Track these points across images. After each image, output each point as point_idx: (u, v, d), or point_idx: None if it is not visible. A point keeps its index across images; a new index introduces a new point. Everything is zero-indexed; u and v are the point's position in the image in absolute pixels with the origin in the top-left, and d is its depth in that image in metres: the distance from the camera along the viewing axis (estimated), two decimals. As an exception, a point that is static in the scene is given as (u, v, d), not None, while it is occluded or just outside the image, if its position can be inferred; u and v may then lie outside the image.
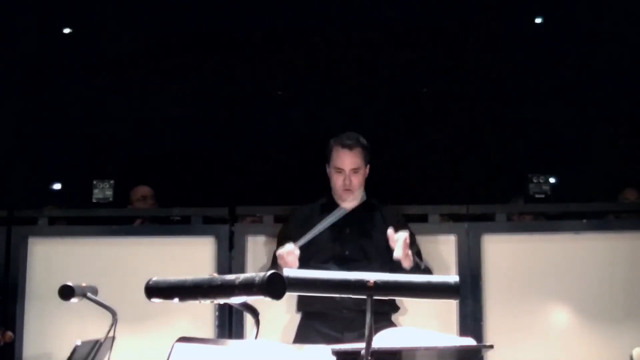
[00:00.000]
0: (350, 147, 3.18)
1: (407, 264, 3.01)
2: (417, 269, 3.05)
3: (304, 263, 3.15)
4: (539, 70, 6.77)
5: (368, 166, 3.26)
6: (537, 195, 3.77)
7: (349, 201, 3.20)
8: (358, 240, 3.14)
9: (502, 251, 3.63)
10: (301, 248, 3.16)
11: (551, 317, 3.55)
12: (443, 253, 3.59)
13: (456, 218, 3.85)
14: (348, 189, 3.17)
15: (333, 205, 3.24)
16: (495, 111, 7.02)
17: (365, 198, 3.26)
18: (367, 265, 3.07)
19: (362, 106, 6.71)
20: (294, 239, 3.13)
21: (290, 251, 2.98)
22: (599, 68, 6.64)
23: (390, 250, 3.17)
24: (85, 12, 6.58)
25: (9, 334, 3.52)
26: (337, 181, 3.18)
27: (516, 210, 4.35)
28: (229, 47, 6.87)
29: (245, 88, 6.95)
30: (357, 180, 3.18)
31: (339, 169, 3.18)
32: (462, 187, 6.29)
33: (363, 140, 3.23)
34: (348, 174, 3.16)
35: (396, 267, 3.20)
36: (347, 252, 3.12)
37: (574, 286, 3.56)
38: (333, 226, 3.18)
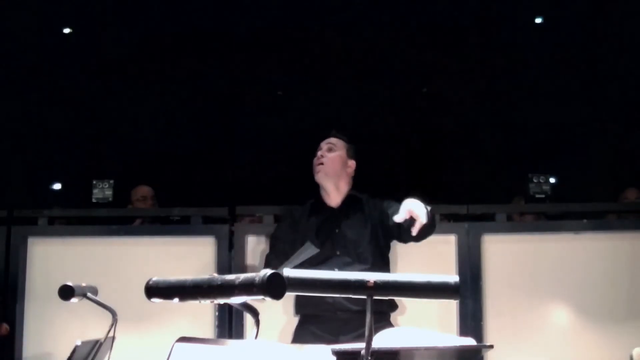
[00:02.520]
0: (331, 135, 3.29)
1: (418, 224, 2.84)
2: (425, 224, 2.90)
3: (296, 267, 3.15)
4: (539, 70, 6.77)
5: (353, 162, 3.26)
6: (537, 195, 3.77)
7: (322, 178, 3.19)
8: (348, 240, 3.14)
9: (502, 251, 3.62)
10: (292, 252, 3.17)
11: (551, 317, 3.55)
12: (443, 253, 3.58)
13: (456, 218, 3.85)
14: (320, 163, 3.19)
15: (321, 205, 3.23)
16: (495, 111, 7.03)
17: (348, 195, 3.26)
18: (358, 263, 3.07)
19: (362, 106, 6.71)
20: (285, 240, 3.13)
21: None
22: (599, 68, 6.64)
23: (380, 245, 3.17)
24: (85, 12, 6.58)
25: (5, 326, 3.52)
26: (315, 160, 3.24)
27: (516, 210, 4.35)
28: (228, 47, 6.88)
29: (245, 88, 6.95)
30: (331, 157, 3.20)
31: (318, 148, 3.26)
32: (462, 187, 6.29)
33: (347, 139, 3.30)
34: (323, 150, 3.22)
35: (386, 262, 3.20)
36: (337, 253, 3.11)
37: (574, 286, 3.56)
38: (322, 228, 3.18)
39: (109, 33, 6.72)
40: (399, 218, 2.79)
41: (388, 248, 3.24)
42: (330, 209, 3.22)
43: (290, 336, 3.22)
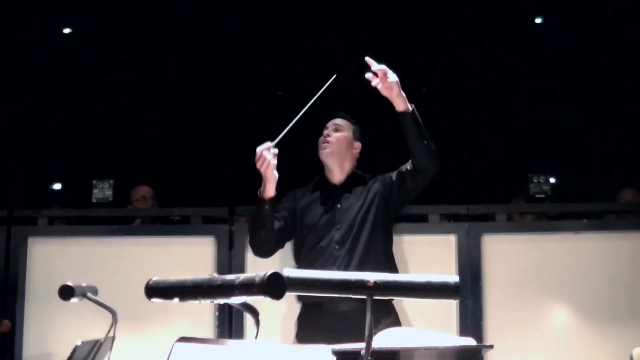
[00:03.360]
0: (337, 116, 3.33)
1: (401, 106, 3.01)
2: (415, 122, 3.03)
3: (298, 243, 3.20)
4: (539, 70, 6.77)
5: (358, 144, 3.29)
6: (537, 195, 3.77)
7: (327, 156, 3.22)
8: (349, 215, 3.15)
9: (502, 251, 3.62)
10: (300, 231, 3.19)
11: (551, 317, 3.55)
12: (443, 253, 3.58)
13: (456, 218, 3.85)
14: (325, 141, 3.22)
15: (324, 182, 3.26)
16: (495, 111, 7.03)
17: (352, 173, 3.28)
18: (359, 238, 3.09)
19: (362, 106, 6.70)
20: (285, 208, 3.17)
21: (267, 147, 2.97)
22: (599, 68, 6.64)
23: (382, 218, 3.18)
24: (85, 12, 6.58)
25: (6, 322, 3.52)
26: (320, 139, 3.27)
27: (516, 210, 4.35)
28: (229, 47, 6.87)
29: (245, 88, 6.95)
30: (337, 137, 3.23)
31: (324, 128, 3.28)
32: (462, 187, 6.29)
33: (354, 121, 3.34)
34: (329, 129, 3.26)
35: (389, 238, 3.21)
36: (338, 227, 3.13)
37: (574, 286, 3.55)
38: (324, 203, 3.21)
39: (108, 33, 6.72)
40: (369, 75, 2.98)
41: (391, 223, 3.26)
42: (333, 185, 3.25)
43: (291, 325, 3.22)
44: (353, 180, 3.25)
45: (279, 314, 3.45)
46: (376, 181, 3.23)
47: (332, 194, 3.22)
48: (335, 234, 3.11)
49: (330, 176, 3.26)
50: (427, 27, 6.73)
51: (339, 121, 3.31)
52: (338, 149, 3.23)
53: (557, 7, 6.60)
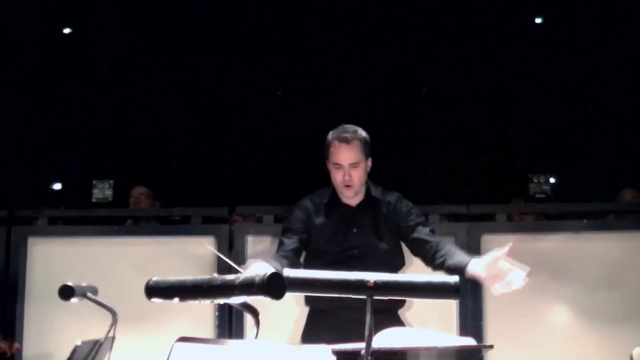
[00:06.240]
0: (347, 141, 3.07)
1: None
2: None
3: (312, 265, 3.13)
4: (538, 70, 6.77)
5: (370, 159, 3.15)
6: (537, 195, 3.77)
7: (350, 197, 3.15)
8: (365, 238, 3.10)
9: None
10: (309, 249, 3.17)
11: (551, 317, 3.55)
12: (443, 253, 3.58)
13: (456, 218, 3.85)
14: (348, 185, 3.09)
15: (337, 202, 3.18)
16: (495, 111, 7.03)
17: (367, 193, 3.19)
18: (375, 262, 3.04)
19: (362, 106, 6.71)
20: (300, 227, 3.12)
21: None
22: (599, 68, 6.64)
23: (397, 244, 3.18)
24: (85, 12, 6.58)
25: (16, 345, 3.51)
26: (337, 177, 3.09)
27: (516, 210, 4.35)
28: (228, 47, 6.88)
29: (245, 88, 6.95)
30: (357, 175, 3.08)
31: (337, 164, 3.08)
32: (462, 187, 6.29)
33: (362, 133, 3.12)
34: (347, 170, 3.07)
35: (402, 260, 3.21)
36: (355, 251, 3.09)
37: (574, 286, 3.55)
38: (339, 226, 3.14)
39: (109, 33, 6.72)
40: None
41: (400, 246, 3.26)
42: (347, 207, 3.17)
43: (300, 328, 3.22)
44: (367, 201, 3.17)
45: (286, 316, 3.44)
46: (395, 212, 3.16)
47: (346, 216, 3.14)
48: (352, 258, 3.06)
49: (342, 197, 3.17)
50: (427, 27, 6.73)
51: (353, 154, 3.07)
52: (360, 184, 3.13)
53: (557, 7, 6.60)
